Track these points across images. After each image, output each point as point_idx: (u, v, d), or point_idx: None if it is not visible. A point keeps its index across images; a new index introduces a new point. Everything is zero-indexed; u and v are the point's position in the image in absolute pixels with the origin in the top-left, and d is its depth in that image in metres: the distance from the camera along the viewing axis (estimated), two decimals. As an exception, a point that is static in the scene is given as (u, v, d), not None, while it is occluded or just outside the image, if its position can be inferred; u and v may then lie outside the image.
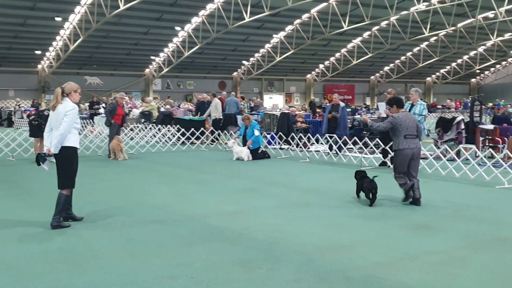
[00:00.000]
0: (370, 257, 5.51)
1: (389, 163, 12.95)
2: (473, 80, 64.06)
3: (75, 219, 7.14)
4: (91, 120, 25.74)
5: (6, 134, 16.65)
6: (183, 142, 18.72)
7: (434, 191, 9.79)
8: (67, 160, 6.82)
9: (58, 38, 38.42)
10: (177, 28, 38.58)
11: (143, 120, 23.05)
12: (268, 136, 18.72)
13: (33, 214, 7.62)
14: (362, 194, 8.71)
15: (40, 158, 6.80)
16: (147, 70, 47.68)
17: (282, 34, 42.32)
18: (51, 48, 40.64)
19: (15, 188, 10.14)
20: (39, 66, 43.69)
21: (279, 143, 17.74)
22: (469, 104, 17.85)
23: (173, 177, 11.75)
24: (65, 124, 6.70)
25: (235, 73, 51.61)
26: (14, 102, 37.75)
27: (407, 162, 8.45)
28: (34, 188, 10.14)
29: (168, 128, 20.04)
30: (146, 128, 20.41)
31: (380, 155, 13.74)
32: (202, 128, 19.41)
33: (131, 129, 19.81)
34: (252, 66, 49.33)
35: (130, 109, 27.03)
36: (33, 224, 7.02)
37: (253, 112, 25.95)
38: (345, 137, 15.24)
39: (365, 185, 8.49)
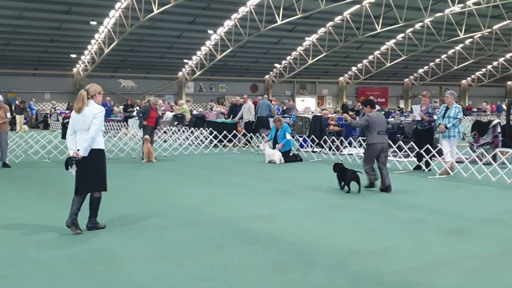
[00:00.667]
0: (404, 262, 5.43)
1: (423, 167, 12.75)
2: (509, 82, 62.57)
3: (77, 226, 6.76)
4: (125, 123, 26.11)
5: (43, 137, 17.02)
6: (215, 145, 18.82)
7: (470, 196, 9.59)
8: (98, 163, 6.81)
9: (93, 41, 39.16)
10: (210, 32, 38.88)
11: (176, 123, 23.29)
12: (301, 139, 18.65)
13: (66, 216, 7.76)
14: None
15: (69, 162, 6.70)
16: (180, 73, 48.15)
17: (314, 37, 42.19)
18: (86, 52, 41.43)
19: (50, 190, 10.35)
20: (74, 70, 44.59)
21: (311, 146, 17.66)
22: (505, 107, 17.43)
23: (205, 180, 11.82)
24: (95, 127, 6.71)
25: (267, 76, 51.66)
26: (50, 105, 38.62)
27: (376, 155, 10.12)
28: (68, 190, 10.30)
29: (201, 130, 20.19)
30: (179, 130, 20.60)
31: (415, 159, 13.53)
32: (234, 131, 19.48)
33: (165, 132, 20.03)
34: (284, 69, 49.31)
35: (163, 111, 27.35)
36: (69, 224, 7.13)
37: (285, 115, 25.89)
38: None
39: (348, 175, 9.82)
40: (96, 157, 6.79)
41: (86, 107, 6.77)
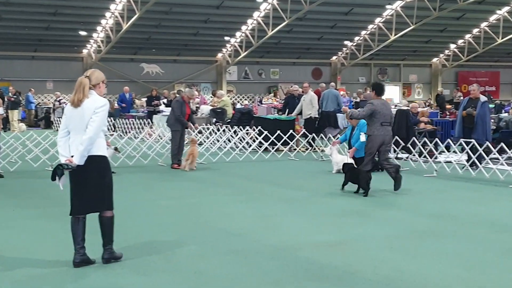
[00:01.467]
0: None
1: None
2: None
3: (90, 262, 6.89)
4: (149, 120, 26.56)
5: (44, 138, 17.44)
6: (266, 149, 18.87)
7: None
8: (99, 173, 6.80)
9: (107, 14, 39.93)
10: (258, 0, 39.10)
11: (214, 119, 23.50)
12: (380, 141, 18.49)
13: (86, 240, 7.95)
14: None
15: (58, 172, 6.64)
16: (219, 55, 48.61)
17: (398, 4, 41.73)
18: (99, 28, 42.30)
19: (54, 206, 10.60)
20: (84, 51, 45.66)
21: (394, 150, 17.47)
22: None
23: (254, 194, 11.86)
24: (95, 125, 6.62)
25: (334, 58, 51.47)
26: (53, 97, 39.56)
27: (377, 147, 11.85)
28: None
29: (247, 130, 20.30)
30: (218, 130, 20.78)
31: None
32: (291, 131, 19.48)
33: (200, 132, 20.27)
34: (357, 48, 48.98)
35: (197, 105, 27.66)
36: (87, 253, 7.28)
37: (359, 109, 25.72)
38: (486, 142, 14.76)
39: (361, 175, 11.46)
40: (97, 166, 6.75)
41: (87, 100, 6.69)
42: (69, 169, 6.62)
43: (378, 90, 12.37)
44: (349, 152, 15.25)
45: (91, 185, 6.77)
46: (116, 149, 15.12)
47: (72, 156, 6.67)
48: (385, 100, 12.42)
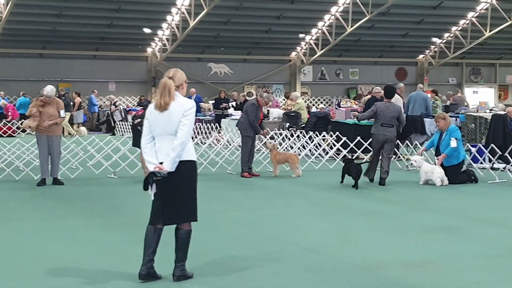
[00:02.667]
0: None
1: None
2: None
3: (156, 276, 6.97)
4: (217, 125, 26.80)
5: (107, 143, 17.87)
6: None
7: None
8: (188, 180, 6.86)
9: (174, 11, 40.53)
10: (337, -7, 38.98)
11: (287, 124, 23.53)
12: (474, 149, 18.10)
13: (140, 253, 8.09)
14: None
15: (150, 180, 6.66)
16: (293, 54, 48.68)
17: (494, -4, 40.89)
18: (164, 25, 43.01)
19: (117, 216, 10.86)
20: (149, 50, 46.48)
21: (490, 160, 17.10)
22: None
23: (333, 207, 11.82)
24: (186, 129, 6.67)
25: (421, 56, 50.80)
26: (112, 99, 39.83)
27: (379, 145, 14.54)
28: (143, 217, 10.74)
29: (323, 136, 20.24)
30: (292, 135, 20.80)
31: None
32: (372, 137, 19.32)
33: (272, 137, 20.33)
34: (447, 46, 48.20)
35: (268, 109, 27.75)
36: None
37: (449, 113, 25.31)
38: None
39: (352, 168, 14.01)
40: (187, 172, 6.81)
41: (173, 102, 6.79)
42: (160, 178, 6.62)
43: (388, 93, 15.08)
44: (437, 160, 15.03)
45: (179, 192, 6.80)
46: None
47: (161, 163, 6.70)
48: (390, 103, 14.87)
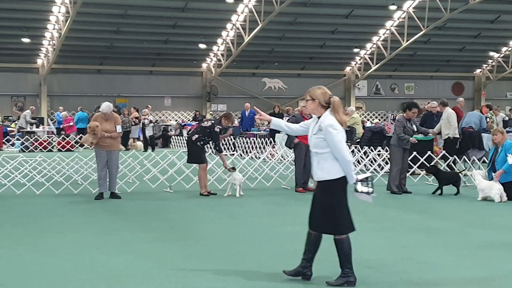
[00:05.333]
0: None
1: None
2: None
3: (305, 276, 7.35)
4: (271, 139, 26.84)
5: (163, 157, 18.06)
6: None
7: None
8: (326, 195, 7.27)
9: (229, 26, 40.90)
10: (392, 7, 38.74)
11: (342, 139, 23.42)
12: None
13: (196, 267, 8.13)
14: None
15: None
16: (347, 69, 48.59)
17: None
18: (219, 41, 43.38)
19: (172, 230, 10.91)
20: (204, 65, 46.91)
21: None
22: None
23: (389, 222, 11.70)
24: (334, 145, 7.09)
25: (478, 71, 50.19)
26: (145, 114, 39.34)
27: (400, 157, 15.75)
28: (197, 231, 10.84)
29: (379, 151, 20.07)
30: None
31: None
32: (429, 152, 19.08)
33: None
34: (505, 60, 47.51)
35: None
36: (207, 281, 7.45)
37: (507, 129, 24.86)
38: None
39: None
40: (325, 187, 7.24)
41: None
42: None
43: (409, 108, 15.96)
44: (494, 176, 14.74)
45: (317, 204, 7.32)
46: (233, 168, 15.33)
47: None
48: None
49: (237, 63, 44.52)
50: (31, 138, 32.78)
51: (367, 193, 7.27)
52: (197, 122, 32.53)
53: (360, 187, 7.24)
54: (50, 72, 43.51)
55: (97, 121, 14.52)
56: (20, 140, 33.16)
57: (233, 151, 26.11)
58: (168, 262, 8.42)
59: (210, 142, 15.61)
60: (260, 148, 25.60)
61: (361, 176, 7.27)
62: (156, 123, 36.97)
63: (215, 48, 44.33)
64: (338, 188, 7.15)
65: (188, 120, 41.25)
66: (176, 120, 41.34)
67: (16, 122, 36.62)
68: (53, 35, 40.69)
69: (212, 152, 16.27)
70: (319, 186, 7.21)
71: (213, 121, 16.10)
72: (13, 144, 34.13)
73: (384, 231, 10.79)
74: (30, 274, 7.72)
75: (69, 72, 44.35)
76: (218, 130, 15.22)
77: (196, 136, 15.32)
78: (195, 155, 15.29)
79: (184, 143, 28.61)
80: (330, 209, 7.15)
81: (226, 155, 18.74)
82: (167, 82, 46.48)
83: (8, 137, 35.06)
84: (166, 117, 43.89)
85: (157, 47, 43.71)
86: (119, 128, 14.78)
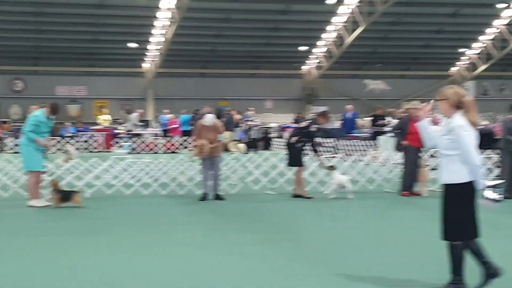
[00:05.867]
0: None
1: None
2: None
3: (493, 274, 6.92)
4: (374, 142, 26.56)
5: (265, 160, 18.17)
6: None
7: None
8: (450, 200, 6.98)
9: (329, 28, 40.77)
10: (500, 5, 37.62)
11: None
12: None
13: (302, 269, 8.14)
14: None
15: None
16: (453, 69, 47.46)
17: None
18: (320, 43, 43.29)
19: (277, 232, 10.93)
20: (303, 68, 46.89)
21: None
22: None
23: (506, 230, 11.30)
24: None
25: None
26: (250, 117, 40.07)
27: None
28: (300, 234, 10.84)
29: (488, 154, 19.53)
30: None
31: None
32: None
33: (431, 156, 19.85)
34: None
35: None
36: (311, 285, 7.41)
37: None
38: None
39: None
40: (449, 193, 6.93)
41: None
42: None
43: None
44: None
45: (444, 210, 6.93)
46: (331, 167, 15.25)
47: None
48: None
49: (338, 65, 44.29)
50: (139, 140, 33.69)
51: (495, 200, 6.89)
52: (299, 125, 32.52)
53: (489, 193, 6.87)
54: (156, 76, 44.57)
55: (201, 132, 14.77)
56: (128, 142, 34.15)
57: (335, 153, 25.97)
58: (272, 264, 8.46)
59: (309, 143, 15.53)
60: (362, 150, 25.38)
61: (492, 182, 6.93)
62: (257, 126, 37.23)
63: (315, 50, 44.27)
64: (464, 193, 6.81)
65: (289, 123, 41.33)
66: (277, 123, 41.44)
67: (125, 124, 37.68)
68: (158, 40, 41.68)
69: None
70: (444, 189, 6.90)
71: (309, 121, 16.02)
72: (121, 146, 35.17)
73: (501, 239, 10.38)
74: (140, 275, 7.90)
75: (173, 76, 45.26)
76: (314, 129, 15.20)
77: (295, 138, 15.36)
78: (295, 158, 15.29)
79: (284, 146, 28.67)
80: (451, 213, 6.84)
81: (327, 157, 18.68)
82: (268, 85, 46.69)
83: (117, 139, 36.15)
84: (267, 120, 44.09)
85: (258, 50, 44.04)
86: (221, 137, 15.02)
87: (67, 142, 32.86)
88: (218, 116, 32.83)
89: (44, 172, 14.63)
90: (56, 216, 12.68)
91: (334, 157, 20.14)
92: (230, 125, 33.32)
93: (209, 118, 14.96)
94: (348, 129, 31.82)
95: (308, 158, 16.04)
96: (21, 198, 14.39)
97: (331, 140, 29.02)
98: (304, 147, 15.31)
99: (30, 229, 11.29)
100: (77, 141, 34.10)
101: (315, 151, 15.51)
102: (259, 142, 37.82)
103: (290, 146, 15.46)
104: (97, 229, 11.24)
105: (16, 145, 29.69)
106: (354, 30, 38.19)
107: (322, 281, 7.41)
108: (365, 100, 46.02)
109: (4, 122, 38.33)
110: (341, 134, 30.94)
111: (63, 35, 41.40)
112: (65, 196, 13.48)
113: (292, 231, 10.98)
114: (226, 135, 32.49)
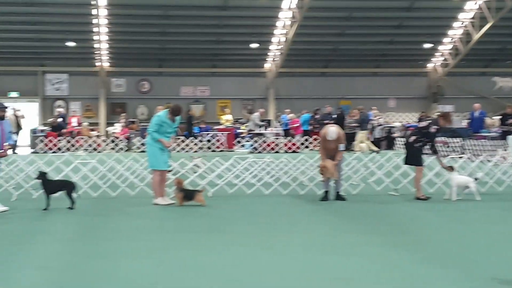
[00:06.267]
0: None
1: None
2: None
3: None
4: (503, 141, 25.73)
5: (388, 160, 17.93)
6: None
7: None
8: None
9: (456, 24, 39.75)
10: None
11: None
12: None
13: (430, 272, 7.91)
14: None
15: None
16: None
17: None
18: (445, 40, 42.29)
19: (400, 234, 10.70)
20: (429, 66, 45.95)
21: None
22: None
23: None
24: None
25: None
26: (375, 116, 39.52)
27: None
28: (425, 236, 10.57)
29: None
30: None
31: None
32: None
33: None
34: None
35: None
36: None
37: None
38: None
39: None
40: None
41: None
42: None
43: None
44: None
45: None
46: (451, 167, 14.81)
47: None
48: None
49: (465, 62, 43.16)
50: (260, 140, 34.02)
51: None
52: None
53: None
54: (277, 75, 44.84)
55: (324, 143, 14.64)
56: (250, 141, 34.57)
57: (462, 153, 25.25)
58: (396, 267, 8.28)
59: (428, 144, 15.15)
60: (491, 150, 24.60)
61: None
62: (380, 125, 36.79)
63: (441, 47, 43.32)
64: None
65: (413, 122, 40.61)
66: (400, 122, 40.85)
67: (247, 124, 38.16)
68: (280, 40, 41.95)
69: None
70: None
71: (430, 121, 15.63)
72: (243, 146, 35.66)
73: None
74: (262, 272, 7.95)
75: (294, 76, 45.43)
76: (434, 130, 14.82)
77: (414, 137, 15.14)
78: (413, 157, 15.02)
79: (403, 145, 28.20)
80: None
81: (453, 158, 18.18)
82: (391, 83, 46.17)
83: (238, 138, 36.66)
84: (390, 119, 43.46)
85: (381, 48, 43.61)
86: (341, 147, 14.68)
87: (195, 143, 33.71)
88: (341, 117, 32.71)
89: (168, 171, 15.01)
90: (179, 214, 12.95)
91: (460, 157, 19.58)
92: (365, 123, 32.89)
93: (333, 132, 14.61)
94: (475, 128, 30.85)
95: (430, 158, 15.70)
96: (147, 196, 14.79)
97: (458, 140, 28.35)
98: (423, 147, 14.97)
99: (154, 227, 11.57)
100: (200, 141, 34.81)
101: (435, 151, 15.12)
102: (382, 141, 37.39)
103: (408, 145, 15.21)
104: (219, 227, 11.40)
105: (143, 144, 30.71)
106: (482, 26, 37.06)
107: (448, 285, 7.17)
108: (494, 98, 44.55)
109: (132, 122, 39.62)
110: (468, 134, 30.10)
111: (187, 37, 42.38)
112: (188, 194, 13.76)
113: (416, 234, 10.74)
114: (362, 134, 32.31)
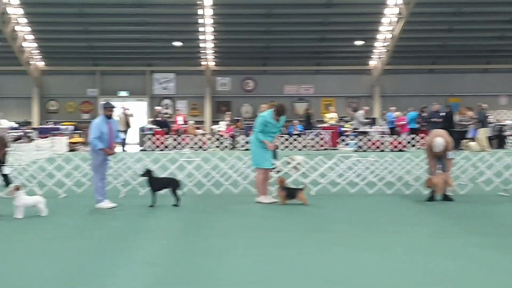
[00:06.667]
0: None
1: None
2: None
3: None
4: None
5: (498, 159, 17.40)
6: None
7: None
8: None
9: None
10: None
11: None
12: None
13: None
14: None
15: None
16: None
17: None
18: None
19: (509, 237, 10.37)
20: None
21: None
22: None
23: None
24: None
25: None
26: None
27: None
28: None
29: None
30: None
31: None
32: None
33: None
34: None
35: None
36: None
37: None
38: None
39: None
40: None
41: None
42: None
43: None
44: None
45: None
46: None
47: None
48: None
49: None
50: (365, 138, 33.74)
51: None
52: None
53: None
54: (383, 73, 44.35)
55: (431, 149, 14.31)
56: (354, 140, 34.33)
57: None
58: (507, 271, 7.98)
59: None
60: None
61: None
62: (491, 123, 35.71)
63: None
64: None
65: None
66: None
67: (351, 122, 37.87)
68: (385, 37, 41.45)
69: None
70: None
71: None
72: (347, 144, 35.42)
73: None
74: (364, 273, 7.85)
75: (400, 73, 44.84)
76: None
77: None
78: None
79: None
80: None
81: None
82: (502, 80, 44.99)
83: (343, 137, 36.44)
84: (501, 117, 42.16)
85: (492, 43, 42.50)
86: (450, 155, 14.25)
87: (295, 140, 33.82)
88: (449, 115, 31.91)
89: (272, 170, 15.08)
90: (282, 212, 12.98)
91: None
92: (484, 121, 32.00)
93: (440, 145, 14.14)
94: None
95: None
96: (249, 194, 14.91)
97: None
98: None
99: (257, 225, 11.63)
100: (304, 139, 34.84)
101: None
102: (493, 140, 36.34)
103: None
104: (321, 226, 11.36)
105: (247, 142, 30.99)
106: None
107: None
108: None
109: (237, 120, 40.07)
110: None
111: (291, 35, 42.48)
112: (290, 193, 13.77)
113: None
114: (483, 131, 31.51)
